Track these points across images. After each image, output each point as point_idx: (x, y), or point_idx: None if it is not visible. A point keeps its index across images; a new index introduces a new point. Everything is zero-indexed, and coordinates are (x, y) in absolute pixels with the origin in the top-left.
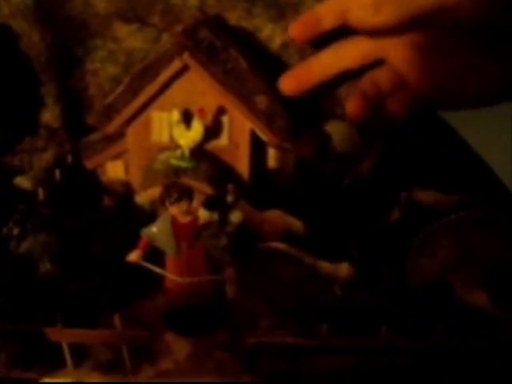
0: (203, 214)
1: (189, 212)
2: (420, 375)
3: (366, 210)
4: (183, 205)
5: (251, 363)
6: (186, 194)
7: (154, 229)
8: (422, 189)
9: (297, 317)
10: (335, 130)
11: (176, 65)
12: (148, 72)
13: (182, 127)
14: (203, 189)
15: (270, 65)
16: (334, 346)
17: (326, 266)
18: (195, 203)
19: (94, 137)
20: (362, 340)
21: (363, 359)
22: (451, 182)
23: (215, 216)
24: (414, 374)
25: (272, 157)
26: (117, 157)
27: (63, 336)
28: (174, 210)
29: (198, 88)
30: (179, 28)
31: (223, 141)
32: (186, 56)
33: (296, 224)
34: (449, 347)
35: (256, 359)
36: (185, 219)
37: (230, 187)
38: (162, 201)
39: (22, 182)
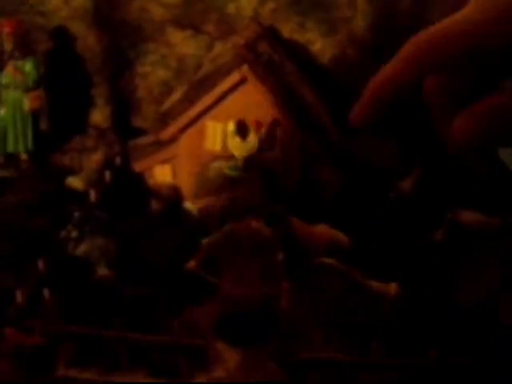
0: (264, 230)
1: (250, 227)
2: None
3: (409, 228)
4: (246, 221)
5: (301, 377)
6: (250, 210)
7: (214, 241)
8: (464, 210)
9: (346, 332)
10: (375, 145)
11: (234, 77)
12: (206, 82)
13: (237, 138)
14: (257, 201)
15: (321, 78)
16: (384, 363)
17: (375, 284)
18: (257, 219)
19: (144, 140)
20: (411, 359)
21: (411, 377)
22: (494, 205)
23: (273, 232)
24: None
25: (319, 170)
26: (165, 161)
27: (121, 340)
28: (238, 225)
29: (254, 100)
30: (241, 41)
31: (275, 153)
32: (244, 69)
33: (342, 238)
34: (494, 367)
35: (306, 373)
36: (245, 233)
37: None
38: (226, 216)
39: (74, 182)
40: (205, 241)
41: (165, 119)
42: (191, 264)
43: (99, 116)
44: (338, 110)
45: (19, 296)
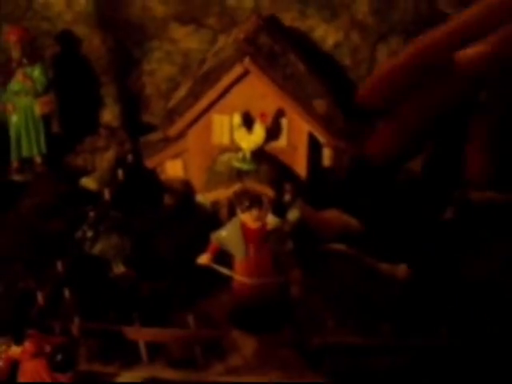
0: (272, 221)
1: (258, 218)
2: (476, 375)
3: (419, 207)
4: (254, 212)
5: (315, 361)
6: (257, 201)
7: (223, 233)
8: (474, 188)
9: (358, 316)
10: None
11: (237, 70)
12: (209, 77)
13: (244, 130)
14: (265, 191)
15: (324, 64)
16: (396, 345)
17: (384, 266)
18: (264, 210)
19: (154, 136)
20: (421, 340)
21: (421, 358)
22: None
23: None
24: (470, 374)
25: (327, 157)
26: (176, 156)
27: (140, 334)
28: (246, 216)
29: (258, 92)
30: (241, 35)
31: (282, 142)
32: (247, 61)
33: (352, 222)
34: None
35: (320, 358)
36: (254, 225)
37: (288, 187)
38: (233, 207)
39: (88, 182)
40: (214, 233)
41: (171, 116)
42: (203, 259)
43: (109, 115)
44: (343, 96)
45: (40, 298)
